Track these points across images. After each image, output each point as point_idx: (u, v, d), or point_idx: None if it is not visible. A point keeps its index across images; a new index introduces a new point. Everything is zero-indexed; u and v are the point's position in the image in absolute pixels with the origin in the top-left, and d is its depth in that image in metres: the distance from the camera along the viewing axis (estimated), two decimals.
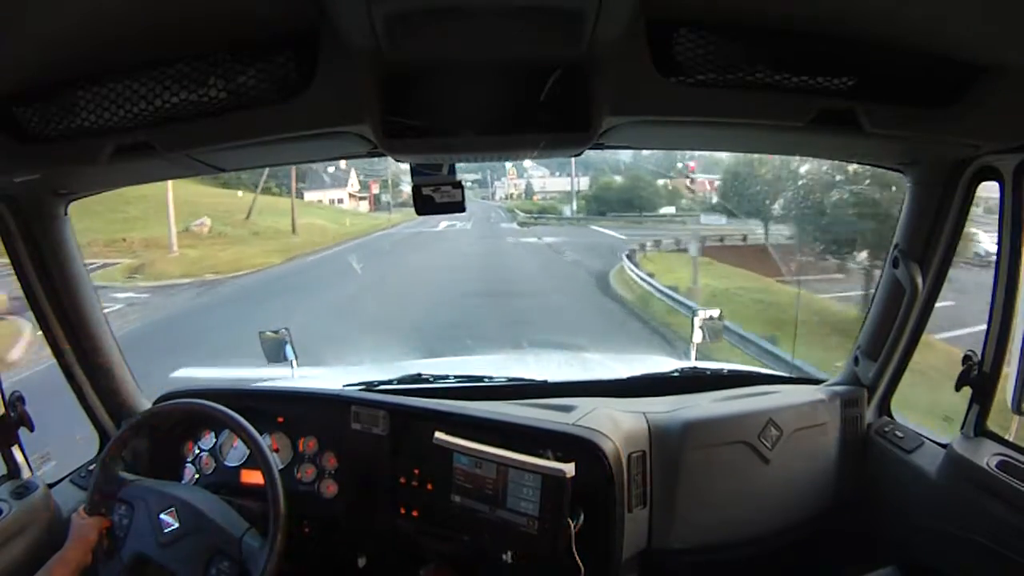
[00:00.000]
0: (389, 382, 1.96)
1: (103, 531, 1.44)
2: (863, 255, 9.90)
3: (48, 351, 1.67)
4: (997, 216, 1.41)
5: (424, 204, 1.46)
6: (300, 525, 1.69)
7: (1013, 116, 1.16)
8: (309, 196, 27.39)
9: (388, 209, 27.28)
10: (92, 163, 1.19)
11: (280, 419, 1.77)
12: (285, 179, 24.01)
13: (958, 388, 1.52)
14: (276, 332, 2.31)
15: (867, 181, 9.18)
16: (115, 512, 1.46)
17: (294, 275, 14.19)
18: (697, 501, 1.63)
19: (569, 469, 1.40)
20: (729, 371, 2.08)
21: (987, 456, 1.43)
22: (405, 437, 1.68)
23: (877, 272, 1.82)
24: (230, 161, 1.47)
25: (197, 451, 1.78)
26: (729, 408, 1.74)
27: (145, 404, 1.81)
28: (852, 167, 8.03)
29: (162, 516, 1.43)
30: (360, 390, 1.86)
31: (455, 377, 2.01)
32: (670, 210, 22.54)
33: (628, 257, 13.09)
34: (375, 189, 29.62)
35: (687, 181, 22.77)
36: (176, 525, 1.43)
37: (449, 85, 1.16)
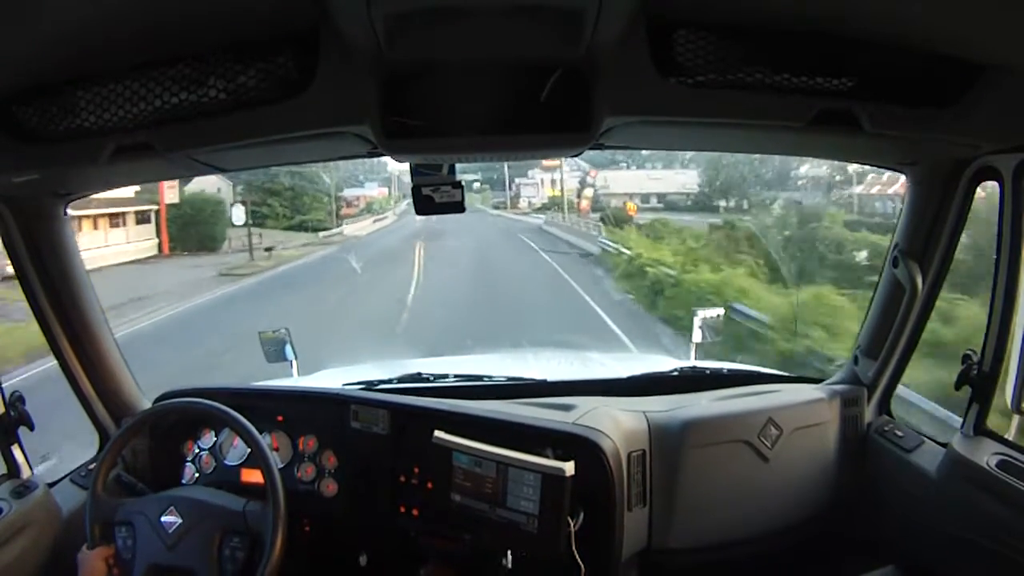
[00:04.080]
0: (389, 381, 1.97)
1: (109, 560, 1.43)
2: None
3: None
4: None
5: (424, 204, 1.47)
6: (300, 524, 1.69)
7: (1013, 116, 1.16)
8: None
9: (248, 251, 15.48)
10: (92, 163, 1.19)
11: (280, 418, 1.77)
12: None
13: (958, 387, 1.52)
14: (276, 332, 2.32)
15: None
16: (117, 536, 1.45)
17: None
18: (697, 500, 1.64)
19: (569, 468, 1.40)
20: (729, 370, 2.09)
21: (987, 455, 1.43)
22: (405, 436, 1.68)
23: None
24: (230, 161, 1.47)
25: (197, 450, 1.78)
26: (729, 407, 1.74)
27: (145, 403, 1.81)
28: None
29: (163, 519, 1.44)
30: (360, 389, 1.86)
31: (455, 376, 2.02)
32: None
33: None
34: (171, 196, 13.74)
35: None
36: (179, 521, 1.44)
37: (449, 85, 1.16)
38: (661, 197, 18.82)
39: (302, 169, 17.37)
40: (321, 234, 20.51)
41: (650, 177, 19.12)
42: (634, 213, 16.92)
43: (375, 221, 22.75)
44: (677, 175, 18.73)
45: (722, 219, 14.68)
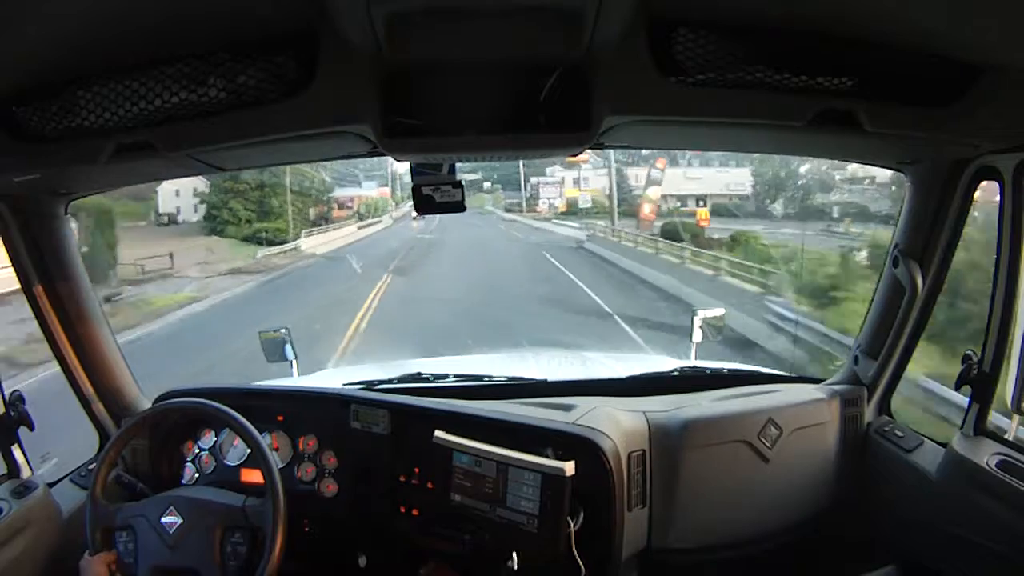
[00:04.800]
0: (389, 381, 1.97)
1: (111, 566, 1.43)
2: None
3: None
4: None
5: (424, 203, 1.47)
6: (300, 524, 1.69)
7: (1013, 116, 1.16)
8: None
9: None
10: (92, 163, 1.19)
11: (280, 418, 1.77)
12: None
13: (958, 387, 1.52)
14: (276, 331, 2.32)
15: None
16: (118, 542, 1.46)
17: None
18: (697, 500, 1.63)
19: (569, 468, 1.40)
20: (729, 370, 2.09)
21: (987, 455, 1.43)
22: (405, 436, 1.68)
23: None
24: (230, 161, 1.47)
25: (197, 450, 1.78)
26: (729, 407, 1.74)
27: (145, 403, 1.81)
28: None
29: (163, 520, 1.44)
30: (360, 389, 1.86)
31: (455, 376, 2.02)
32: None
33: None
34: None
35: None
36: (180, 521, 1.44)
37: (449, 85, 1.16)
38: (701, 199, 14.94)
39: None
40: (261, 252, 15.48)
41: (687, 176, 15.19)
42: (707, 224, 11.49)
43: (360, 228, 19.04)
44: (718, 174, 14.92)
45: (861, 238, 9.66)
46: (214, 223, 17.18)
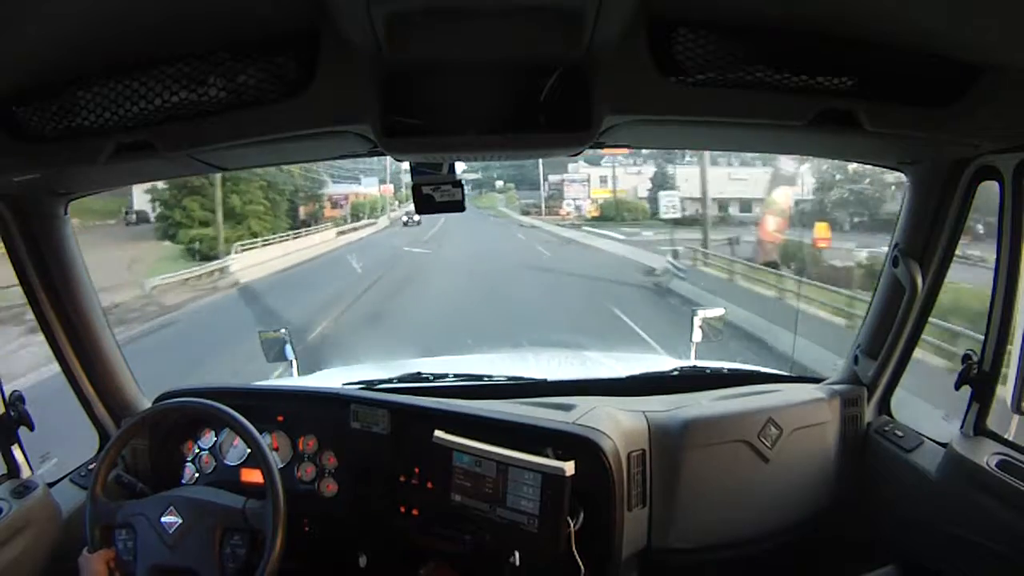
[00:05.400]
0: (389, 381, 1.97)
1: (110, 563, 1.43)
2: None
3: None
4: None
5: (424, 203, 1.47)
6: (300, 524, 1.69)
7: (1013, 116, 1.16)
8: None
9: None
10: (92, 163, 1.19)
11: (280, 418, 1.77)
12: None
13: (958, 387, 1.52)
14: (276, 332, 2.32)
15: None
16: (117, 540, 1.46)
17: None
18: (697, 500, 1.64)
19: (569, 467, 1.40)
20: (729, 370, 2.09)
21: (987, 455, 1.43)
22: (405, 436, 1.68)
23: None
24: (230, 160, 1.47)
25: (197, 450, 1.78)
26: (729, 407, 1.74)
27: (145, 403, 1.81)
28: None
29: (163, 519, 1.44)
30: (360, 389, 1.86)
31: (455, 376, 2.02)
32: None
33: None
34: None
35: None
36: (179, 521, 1.44)
37: (449, 84, 1.16)
38: (745, 205, 12.35)
39: None
40: (156, 281, 11.22)
41: (731, 177, 12.77)
42: (827, 245, 8.10)
43: (340, 233, 16.92)
44: (765, 175, 12.15)
45: None
46: (166, 225, 14.51)
